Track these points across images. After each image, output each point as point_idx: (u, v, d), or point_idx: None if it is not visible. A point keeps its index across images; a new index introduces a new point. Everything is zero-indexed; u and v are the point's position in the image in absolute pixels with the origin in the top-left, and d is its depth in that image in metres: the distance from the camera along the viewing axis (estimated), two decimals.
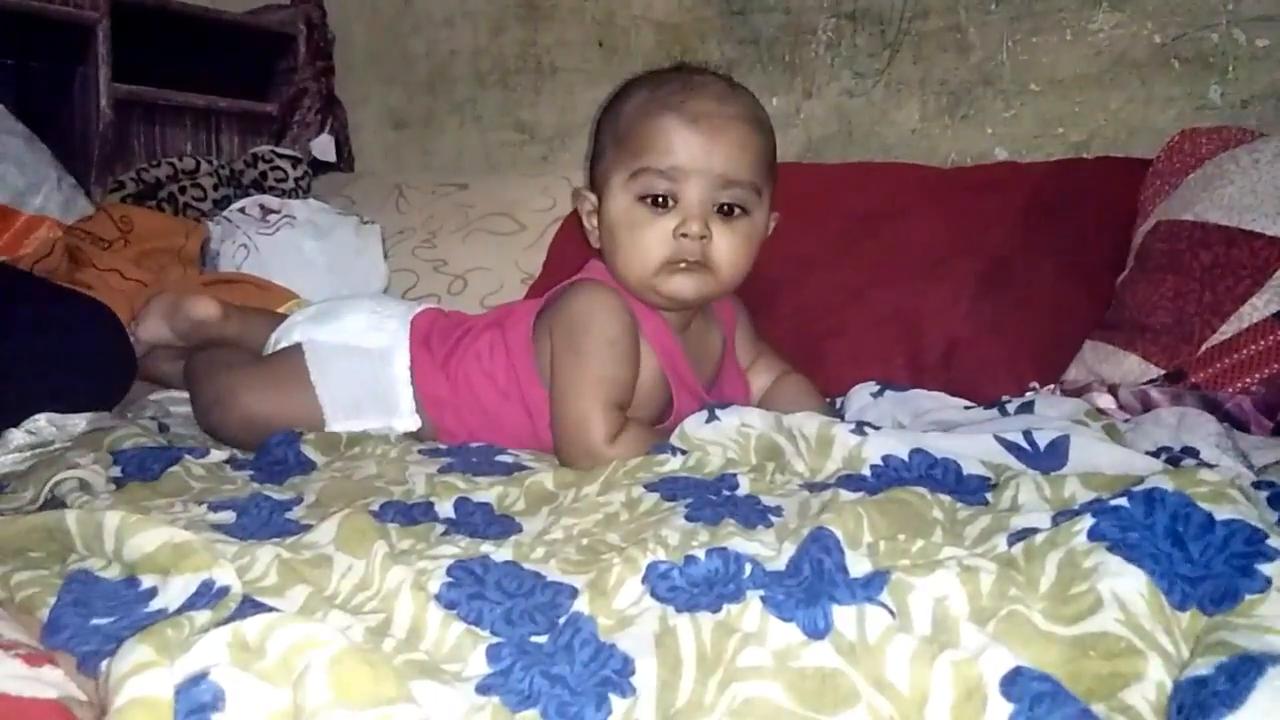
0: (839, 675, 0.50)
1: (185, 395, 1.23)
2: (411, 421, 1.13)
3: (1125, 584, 0.53)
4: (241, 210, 1.69)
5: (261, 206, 1.69)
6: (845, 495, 0.75)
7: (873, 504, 0.69)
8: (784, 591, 0.57)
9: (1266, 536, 0.56)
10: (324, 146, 2.03)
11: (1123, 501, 0.59)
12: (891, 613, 0.54)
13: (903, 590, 0.55)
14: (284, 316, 1.29)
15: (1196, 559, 0.55)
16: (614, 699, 0.50)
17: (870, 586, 0.56)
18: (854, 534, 0.65)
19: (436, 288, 1.66)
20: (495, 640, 0.53)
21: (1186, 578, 0.54)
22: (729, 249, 1.00)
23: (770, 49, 1.67)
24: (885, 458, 0.84)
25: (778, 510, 0.76)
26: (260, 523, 0.75)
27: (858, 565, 0.61)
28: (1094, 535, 0.57)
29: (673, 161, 0.98)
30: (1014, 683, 0.46)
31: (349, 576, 0.62)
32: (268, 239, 1.64)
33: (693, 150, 0.98)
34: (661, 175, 0.98)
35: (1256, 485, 0.69)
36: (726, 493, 0.82)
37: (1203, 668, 0.46)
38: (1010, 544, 0.63)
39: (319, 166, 2.01)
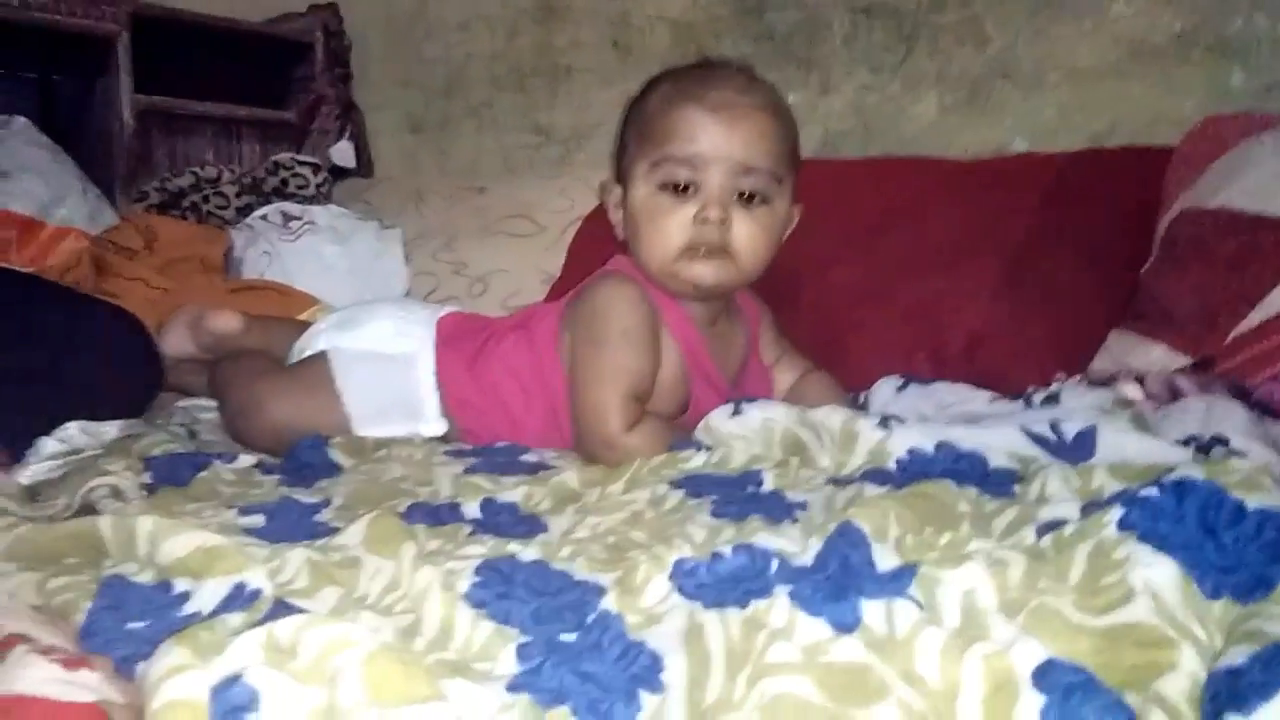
0: (868, 670, 0.50)
1: (212, 403, 1.24)
2: (438, 426, 1.13)
3: (1157, 574, 0.53)
4: (264, 217, 1.71)
5: (283, 213, 1.71)
6: (871, 489, 0.75)
7: (898, 498, 0.69)
8: (811, 586, 0.57)
9: None
10: (343, 152, 2.05)
11: (1153, 491, 0.59)
12: (920, 605, 0.54)
13: (930, 584, 0.55)
14: (306, 325, 1.30)
15: (1229, 548, 0.55)
16: (644, 695, 0.50)
17: (898, 580, 0.56)
18: (881, 528, 0.65)
19: (457, 290, 1.67)
20: (525, 639, 0.53)
21: (1219, 567, 0.54)
22: (749, 236, 1.01)
23: (786, 45, 1.67)
24: (911, 451, 0.84)
25: (803, 505, 0.76)
26: (290, 526, 0.76)
27: (885, 559, 0.60)
28: (1124, 525, 0.57)
29: (694, 149, 1.00)
30: (1046, 674, 0.46)
31: (378, 578, 0.63)
32: (290, 245, 1.65)
33: (713, 138, 0.99)
34: (682, 163, 1.00)
35: None
36: (751, 489, 0.83)
37: (1237, 658, 0.46)
38: (1039, 536, 0.62)
39: (339, 172, 2.02)
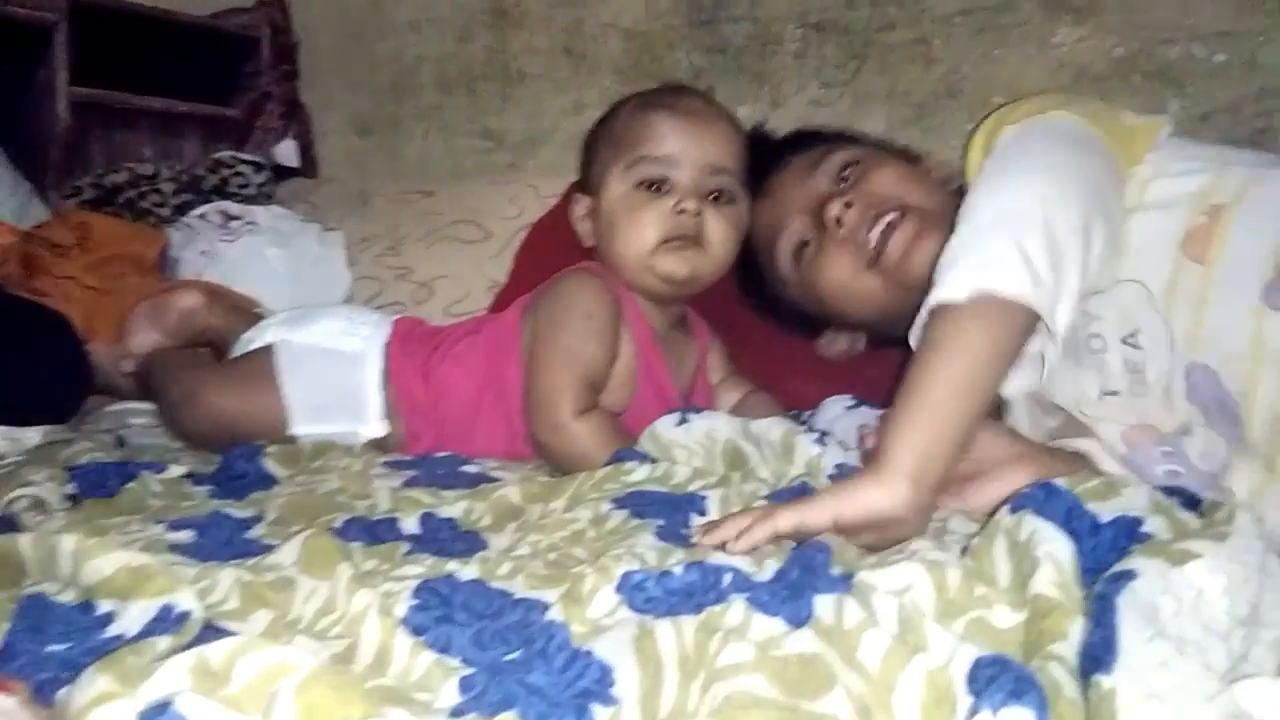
0: (817, 659, 0.51)
1: (144, 407, 1.21)
2: (379, 427, 1.13)
3: (1057, 547, 0.56)
4: (202, 217, 1.66)
5: (223, 213, 1.66)
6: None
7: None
8: (769, 592, 0.57)
9: (1143, 522, 0.58)
10: (287, 152, 2.01)
11: (1026, 489, 0.62)
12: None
13: (866, 591, 0.56)
14: (260, 316, 1.29)
15: (1088, 555, 0.57)
16: (596, 709, 0.49)
17: (845, 583, 0.57)
18: (838, 550, 0.66)
19: (401, 296, 1.65)
20: (468, 671, 0.52)
21: (1083, 568, 0.56)
22: (720, 229, 1.09)
23: (738, 58, 1.67)
24: (839, 466, 0.87)
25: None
26: (220, 542, 0.74)
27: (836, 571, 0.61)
28: (1016, 509, 0.60)
29: (667, 149, 1.08)
30: (975, 678, 0.47)
31: (313, 600, 0.61)
32: (229, 246, 1.61)
33: (684, 139, 1.08)
34: (657, 162, 1.08)
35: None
36: (696, 517, 0.82)
37: (1086, 627, 0.49)
38: (963, 552, 0.64)
39: (282, 172, 1.98)
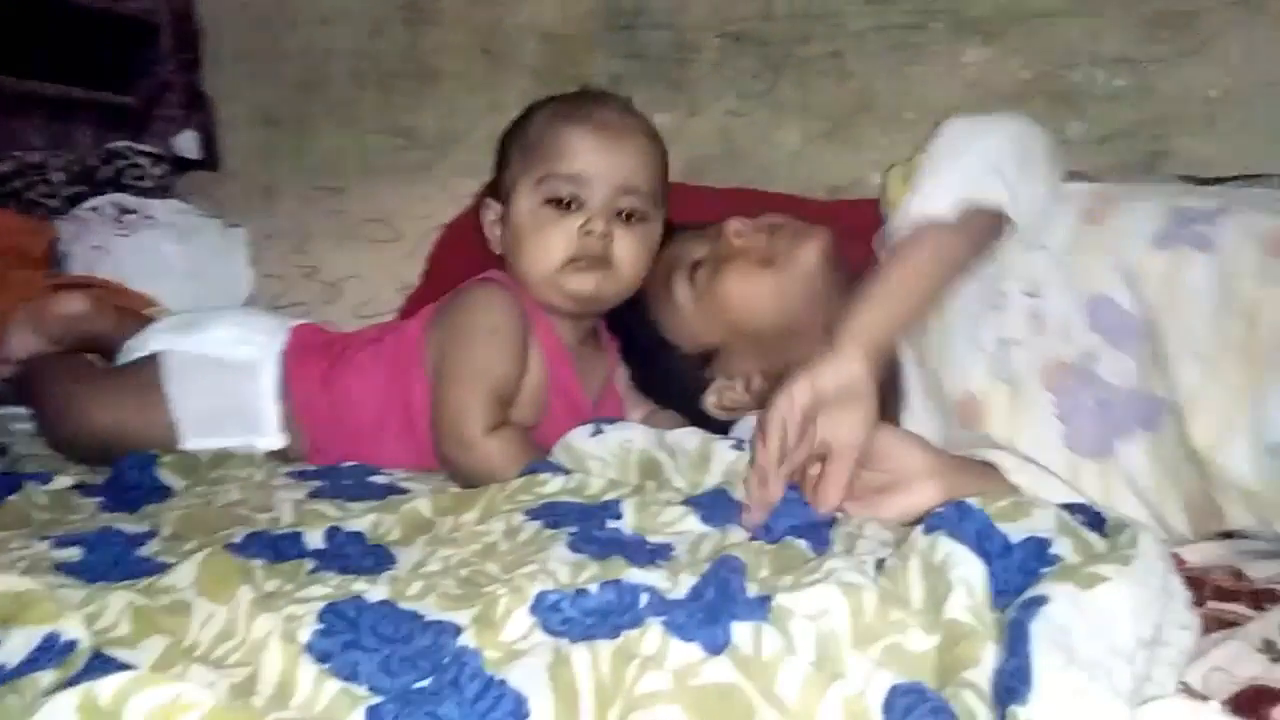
0: (735, 690, 0.50)
1: (29, 412, 1.15)
2: (277, 440, 1.09)
3: (970, 571, 0.56)
4: (95, 209, 1.59)
5: (117, 206, 1.59)
6: (735, 535, 0.76)
7: (768, 551, 0.70)
8: (685, 614, 0.56)
9: (1051, 543, 0.60)
10: (188, 143, 1.93)
11: (939, 509, 0.63)
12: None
13: (783, 617, 0.56)
14: (154, 319, 1.23)
15: (999, 576, 0.58)
16: None
17: (763, 606, 0.57)
18: (752, 567, 0.66)
19: (307, 296, 1.60)
20: (375, 700, 0.50)
21: (994, 590, 0.57)
22: (629, 249, 1.06)
23: (657, 65, 1.67)
24: None
25: (667, 549, 0.75)
26: (110, 561, 0.70)
27: (753, 591, 0.61)
28: (929, 529, 0.61)
29: (578, 167, 1.04)
30: (891, 707, 0.47)
31: (210, 625, 0.58)
32: (124, 240, 1.54)
33: (596, 157, 1.04)
34: (567, 180, 1.04)
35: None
36: (612, 523, 0.81)
37: (1000, 655, 0.49)
38: (877, 570, 0.64)
39: (182, 164, 1.90)
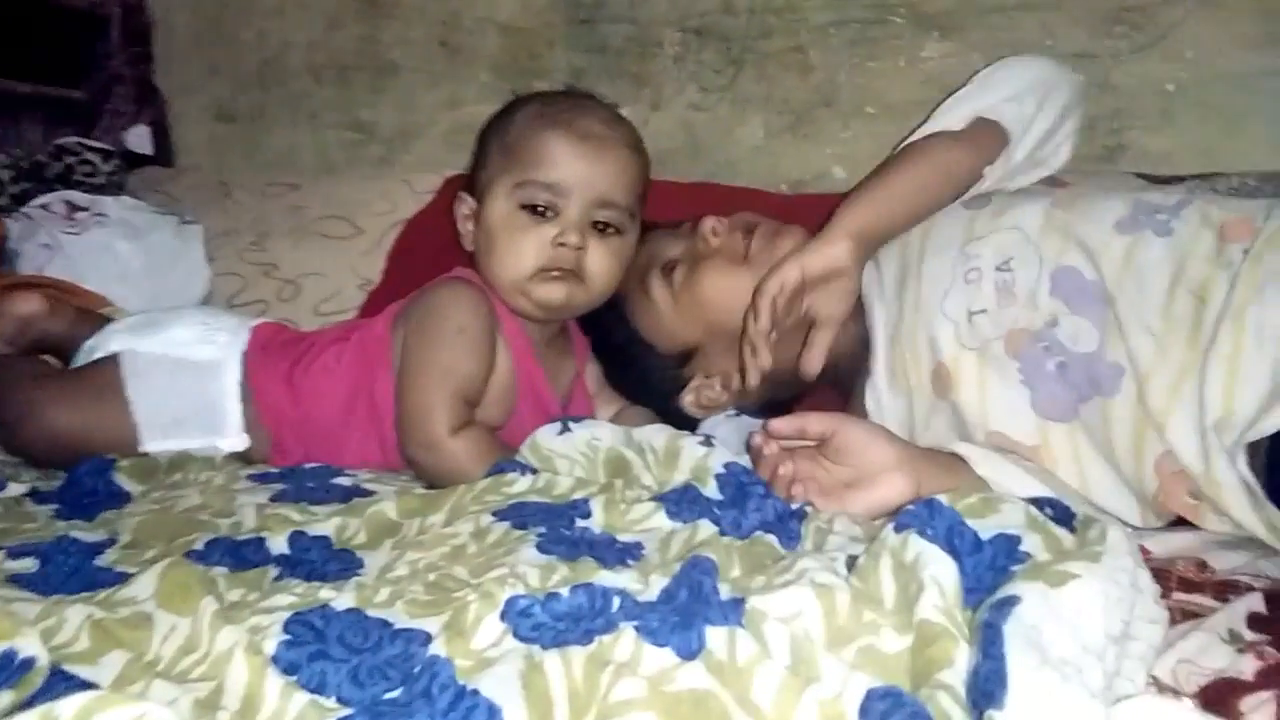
0: (710, 697, 0.50)
1: None
2: (239, 441, 1.07)
3: (941, 571, 0.56)
4: (44, 207, 1.55)
5: (68, 203, 1.55)
6: (705, 531, 0.75)
7: (739, 546, 0.70)
8: (658, 618, 0.56)
9: (1020, 540, 0.60)
10: (140, 138, 1.89)
11: (910, 507, 0.63)
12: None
13: (758, 619, 0.55)
14: (110, 319, 1.21)
15: (969, 574, 0.59)
16: None
17: (737, 610, 0.56)
18: (723, 566, 0.65)
19: (265, 294, 1.57)
20: (345, 712, 0.49)
21: (965, 587, 0.57)
22: (601, 262, 1.05)
23: (618, 59, 1.66)
24: (727, 465, 0.86)
25: (637, 548, 0.75)
26: (67, 572, 0.68)
27: (725, 593, 0.61)
28: (900, 528, 0.61)
29: (558, 176, 1.02)
30: (868, 711, 0.47)
31: (172, 638, 0.57)
32: (75, 239, 1.50)
33: (577, 168, 1.03)
34: (545, 188, 1.02)
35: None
36: (580, 522, 0.81)
37: (973, 656, 0.49)
38: (848, 569, 0.64)
39: (134, 160, 1.86)
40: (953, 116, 1.03)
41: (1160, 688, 0.52)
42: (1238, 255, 0.83)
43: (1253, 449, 0.76)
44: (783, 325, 0.95)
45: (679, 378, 1.12)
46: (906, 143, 1.06)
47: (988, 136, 1.02)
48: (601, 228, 1.05)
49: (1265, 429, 0.74)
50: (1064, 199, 0.97)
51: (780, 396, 1.15)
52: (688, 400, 1.12)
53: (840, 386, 1.13)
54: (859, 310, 1.03)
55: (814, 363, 0.97)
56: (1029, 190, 1.06)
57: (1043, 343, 0.90)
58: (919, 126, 1.08)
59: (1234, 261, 0.82)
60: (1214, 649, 0.54)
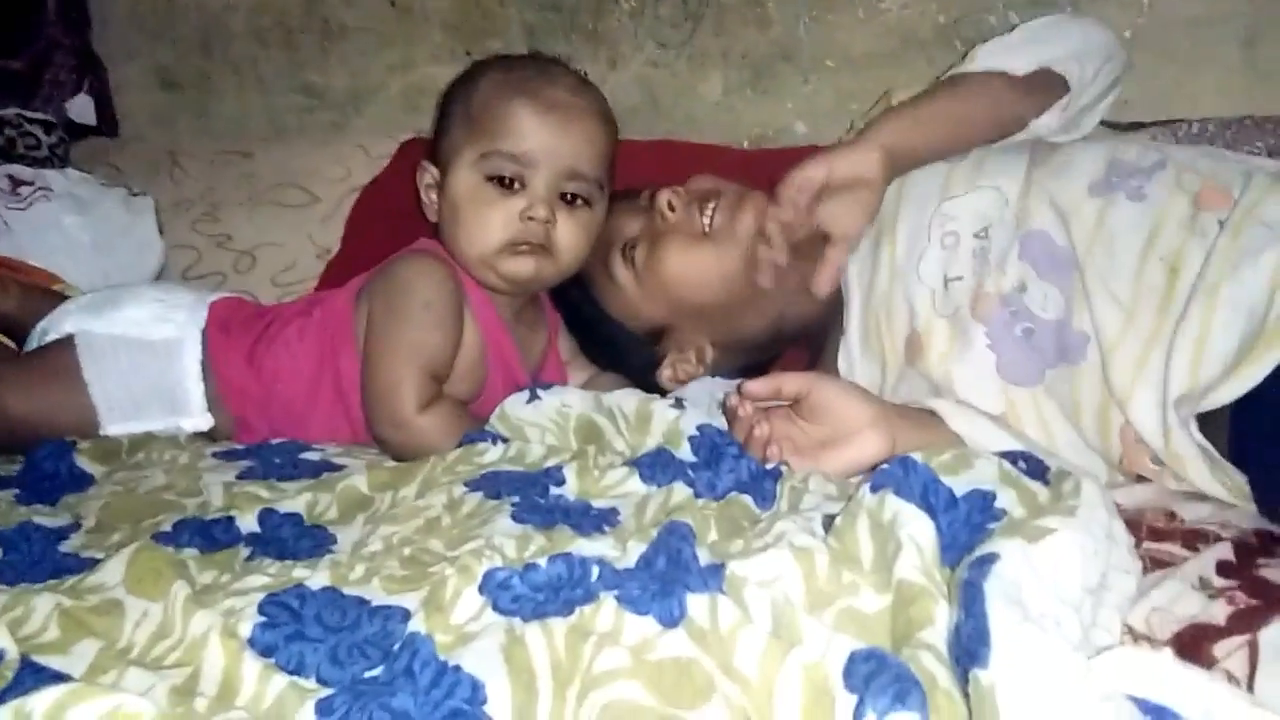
0: (694, 665, 0.50)
1: None
2: (203, 420, 1.05)
3: (918, 529, 0.56)
4: None
5: (10, 178, 1.50)
6: (680, 494, 0.75)
7: (713, 507, 0.69)
8: (638, 586, 0.56)
9: (995, 496, 0.60)
10: (82, 108, 1.83)
11: (884, 466, 0.63)
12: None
13: (738, 585, 0.55)
14: (64, 298, 1.17)
15: (944, 531, 0.59)
16: None
17: (717, 576, 0.56)
18: (700, 531, 0.65)
19: (221, 265, 1.54)
20: (325, 693, 0.49)
21: (941, 545, 0.58)
22: (570, 236, 1.02)
23: (573, 17, 1.63)
24: (700, 428, 0.86)
25: (612, 514, 0.75)
26: (31, 560, 0.67)
27: (704, 558, 0.61)
28: (876, 488, 0.61)
29: (525, 147, 0.99)
30: (851, 673, 0.47)
31: (145, 624, 0.56)
32: (20, 214, 1.46)
33: (544, 138, 0.99)
34: (512, 159, 0.99)
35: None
36: (554, 490, 0.80)
37: (954, 614, 0.50)
38: (825, 529, 0.65)
39: (77, 131, 1.81)
40: (1016, 59, 1.00)
41: (1135, 637, 0.52)
42: (1213, 226, 0.81)
43: (1210, 416, 0.76)
44: (795, 231, 0.93)
45: (654, 354, 1.12)
46: (961, 72, 1.03)
47: (1046, 89, 1.00)
48: (570, 199, 1.02)
49: (1220, 399, 0.74)
50: (1041, 154, 0.96)
51: (756, 360, 1.14)
52: (665, 375, 1.11)
53: (812, 344, 1.13)
54: None
55: (826, 282, 0.95)
56: (1007, 142, 1.03)
57: (1010, 307, 0.90)
58: (964, 58, 1.05)
59: (1209, 232, 0.81)
60: (1186, 596, 0.55)
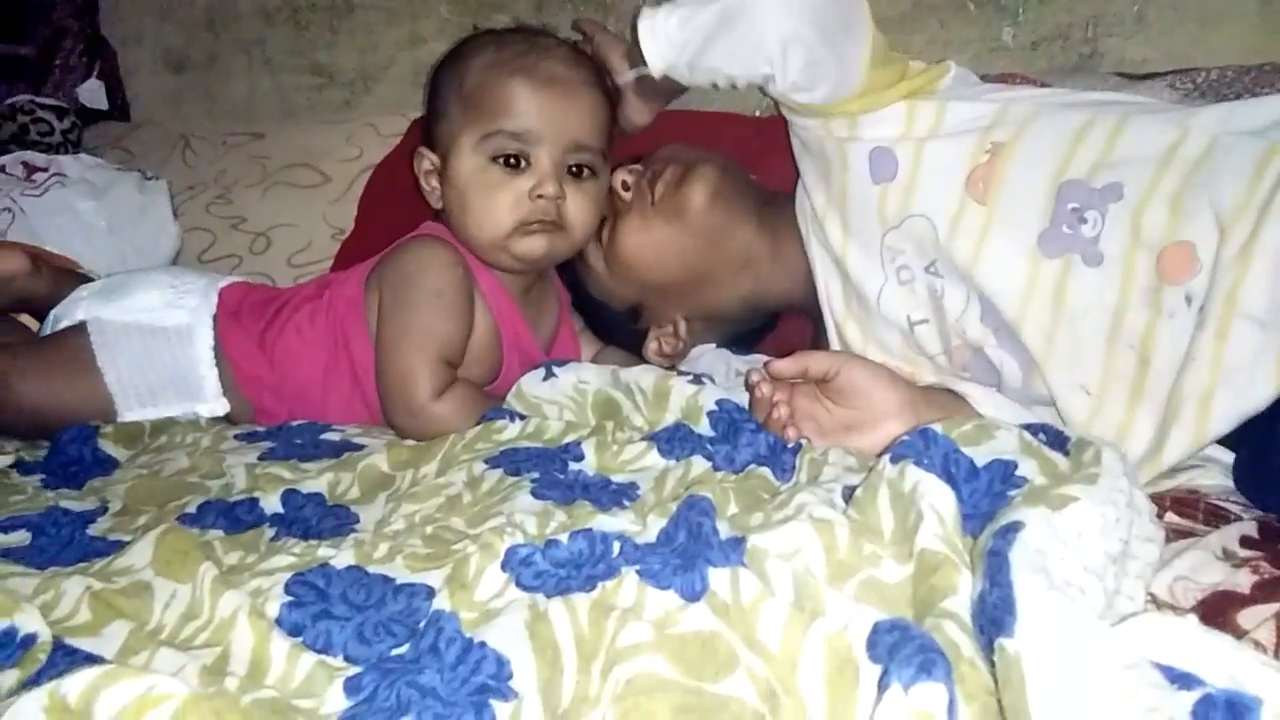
0: (717, 638, 0.50)
1: None
2: (218, 405, 1.05)
3: (939, 499, 0.56)
4: (1, 169, 1.51)
5: (24, 164, 1.51)
6: (697, 467, 0.75)
7: (732, 480, 0.70)
8: (660, 561, 0.56)
9: (1017, 465, 0.60)
10: (92, 93, 1.83)
11: (904, 437, 0.63)
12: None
13: (760, 558, 0.56)
14: (88, 279, 1.17)
15: (966, 501, 0.59)
16: (496, 705, 0.47)
17: (738, 550, 0.56)
18: (720, 504, 0.65)
19: (236, 248, 1.54)
20: (353, 671, 0.49)
21: (963, 514, 0.58)
22: (580, 208, 1.02)
23: None
24: (719, 403, 0.85)
25: (632, 488, 0.75)
26: (61, 544, 0.68)
27: (724, 532, 0.61)
28: (896, 458, 0.61)
29: (527, 124, 0.98)
30: (875, 644, 0.48)
31: (174, 605, 0.57)
32: (35, 200, 1.46)
33: (545, 113, 0.98)
34: (514, 138, 0.98)
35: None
36: (573, 465, 0.81)
37: (978, 583, 0.49)
38: (845, 501, 0.65)
39: (89, 116, 1.81)
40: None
41: (1159, 604, 0.52)
42: (1179, 304, 0.77)
43: None
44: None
45: (639, 330, 1.13)
46: None
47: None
48: (576, 172, 1.01)
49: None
50: (982, 166, 0.89)
51: (744, 329, 1.15)
52: (651, 351, 1.11)
53: (812, 315, 1.12)
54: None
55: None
56: (939, 151, 0.93)
57: (982, 361, 0.90)
58: None
59: (1176, 312, 0.77)
60: (1209, 565, 0.55)
